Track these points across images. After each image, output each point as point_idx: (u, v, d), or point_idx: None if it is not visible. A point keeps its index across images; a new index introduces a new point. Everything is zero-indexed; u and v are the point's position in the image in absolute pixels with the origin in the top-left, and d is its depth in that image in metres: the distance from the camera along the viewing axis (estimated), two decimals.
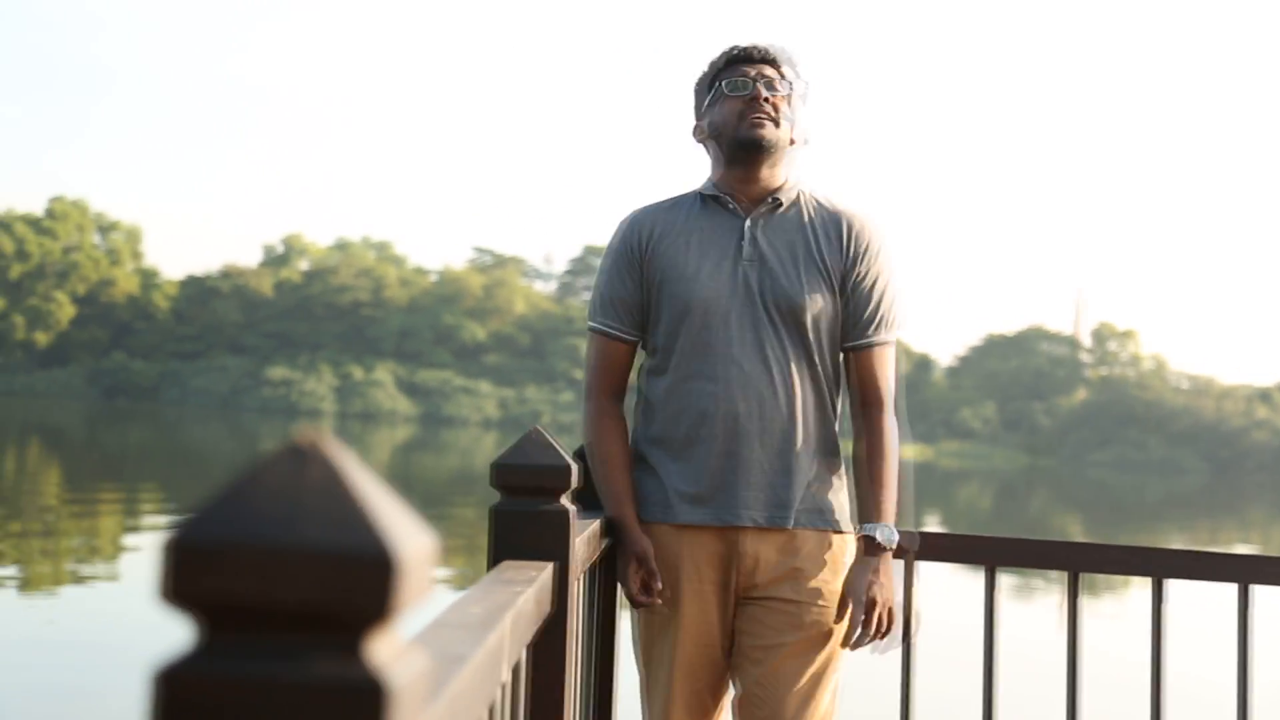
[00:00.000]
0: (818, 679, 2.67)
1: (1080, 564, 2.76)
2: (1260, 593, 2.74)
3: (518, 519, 1.73)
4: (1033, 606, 12.70)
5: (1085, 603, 2.81)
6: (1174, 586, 2.76)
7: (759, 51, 2.73)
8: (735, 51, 2.74)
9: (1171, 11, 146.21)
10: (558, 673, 1.76)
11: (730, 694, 2.74)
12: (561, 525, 1.75)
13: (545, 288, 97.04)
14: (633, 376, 2.82)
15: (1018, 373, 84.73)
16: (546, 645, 1.73)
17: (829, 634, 2.65)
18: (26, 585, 10.75)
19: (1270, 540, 28.20)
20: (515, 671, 1.44)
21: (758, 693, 2.68)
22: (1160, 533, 28.25)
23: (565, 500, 1.78)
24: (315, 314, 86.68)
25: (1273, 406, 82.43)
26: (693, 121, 2.82)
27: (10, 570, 11.53)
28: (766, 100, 2.67)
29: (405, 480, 28.53)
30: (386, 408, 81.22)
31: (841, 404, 2.76)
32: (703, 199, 2.75)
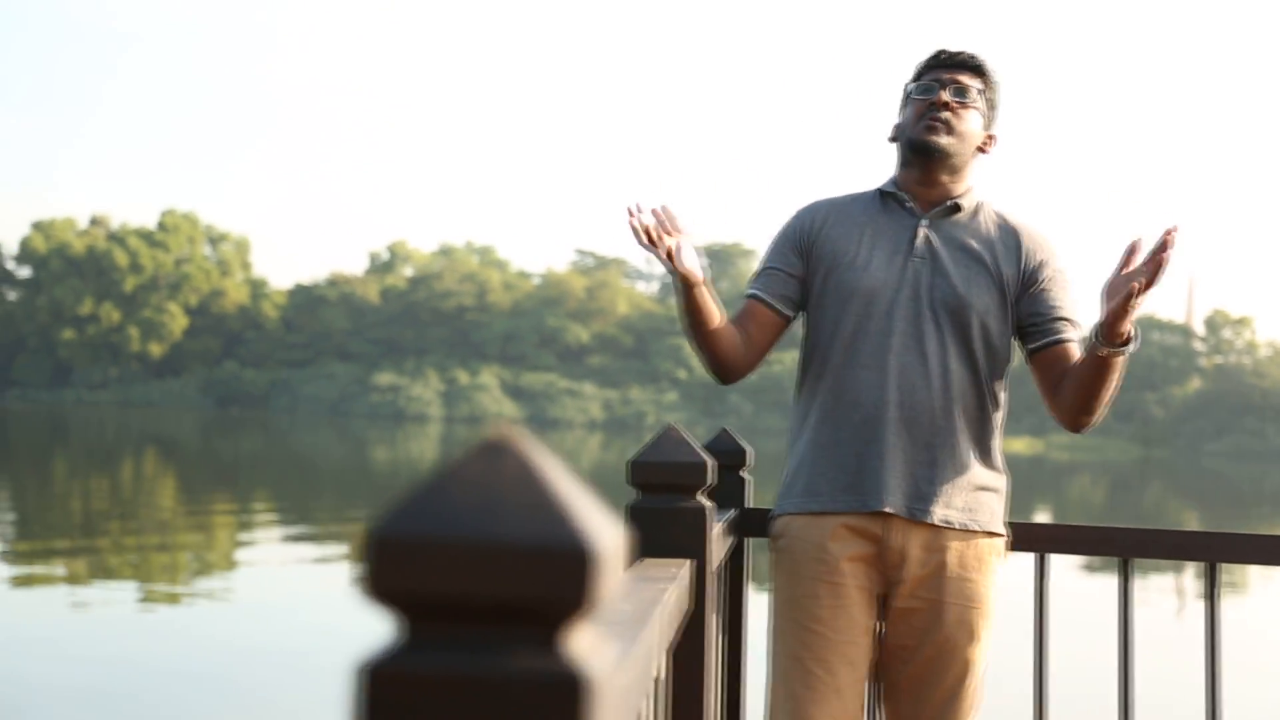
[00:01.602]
0: (962, 679, 2.64)
1: (1219, 554, 2.69)
2: None
3: (656, 516, 1.73)
4: (1148, 599, 12.47)
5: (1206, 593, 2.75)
6: None
7: (958, 56, 2.74)
8: (939, 55, 2.76)
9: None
10: (698, 670, 1.75)
11: (866, 690, 2.70)
12: (699, 522, 1.75)
13: (648, 288, 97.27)
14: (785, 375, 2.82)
15: (1130, 363, 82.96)
16: (687, 643, 1.73)
17: (973, 634, 2.62)
18: (145, 598, 10.96)
19: None
20: (664, 669, 1.44)
21: (904, 693, 2.66)
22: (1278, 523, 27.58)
23: (702, 497, 1.78)
24: (420, 319, 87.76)
25: None
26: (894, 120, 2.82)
27: (130, 587, 11.71)
28: (947, 106, 2.68)
29: None
30: (492, 411, 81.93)
31: (1004, 414, 2.74)
32: (881, 195, 2.77)
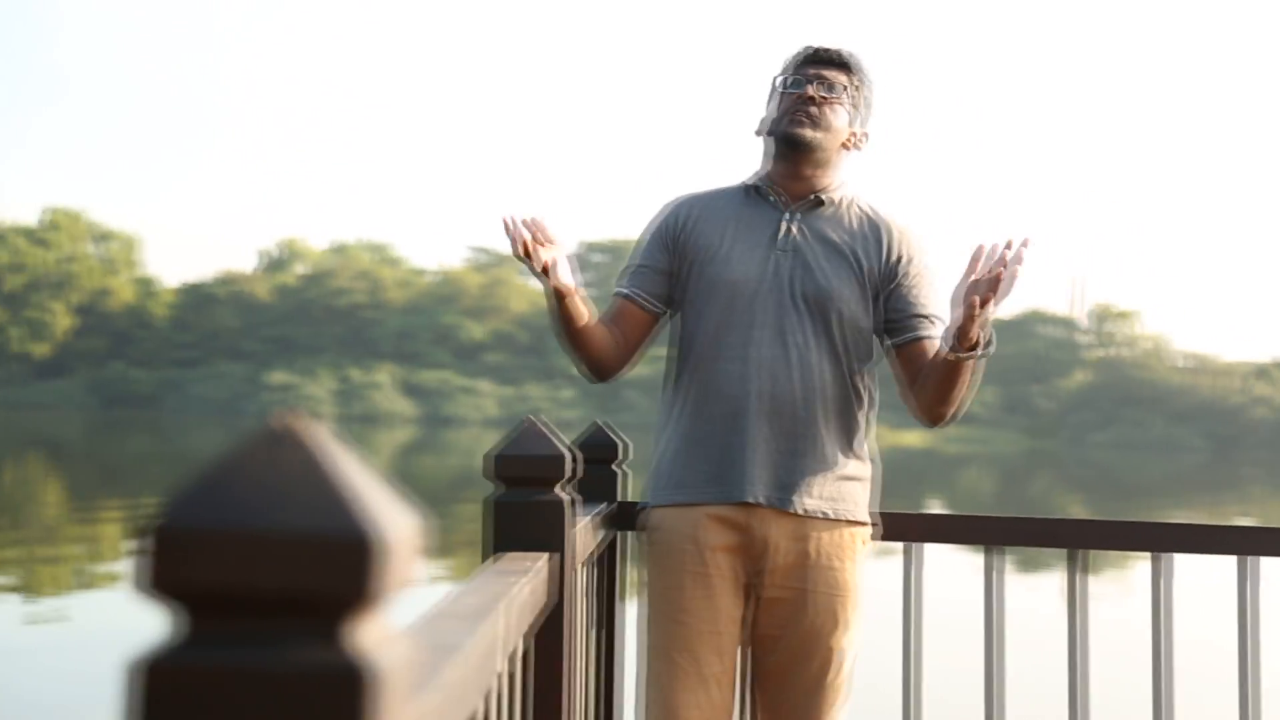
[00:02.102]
0: (827, 668, 2.67)
1: (1082, 541, 2.75)
2: (1264, 566, 2.74)
3: (515, 510, 1.73)
4: (1035, 587, 12.70)
5: (1091, 581, 2.80)
6: (1178, 562, 2.75)
7: (828, 53, 2.76)
8: (809, 51, 2.77)
9: None
10: (559, 663, 1.75)
11: (739, 680, 2.72)
12: (559, 515, 1.74)
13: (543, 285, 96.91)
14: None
15: (1017, 356, 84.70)
16: (547, 636, 1.73)
17: (839, 623, 2.65)
18: (29, 591, 10.72)
19: (1270, 516, 28.20)
20: (514, 661, 1.43)
21: (769, 681, 2.69)
22: (1162, 510, 28.23)
23: (563, 490, 1.78)
24: (314, 317, 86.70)
25: (1272, 383, 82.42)
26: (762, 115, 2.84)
27: (12, 579, 11.50)
28: (814, 100, 2.69)
29: (408, 481, 28.54)
30: (387, 409, 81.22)
31: (869, 405, 2.76)
32: (746, 190, 2.79)
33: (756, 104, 2.85)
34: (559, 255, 2.61)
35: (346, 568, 0.58)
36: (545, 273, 2.57)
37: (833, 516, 2.67)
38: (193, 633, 0.59)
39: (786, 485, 2.65)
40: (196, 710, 0.57)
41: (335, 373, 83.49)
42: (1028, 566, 13.15)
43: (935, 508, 25.73)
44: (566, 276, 2.61)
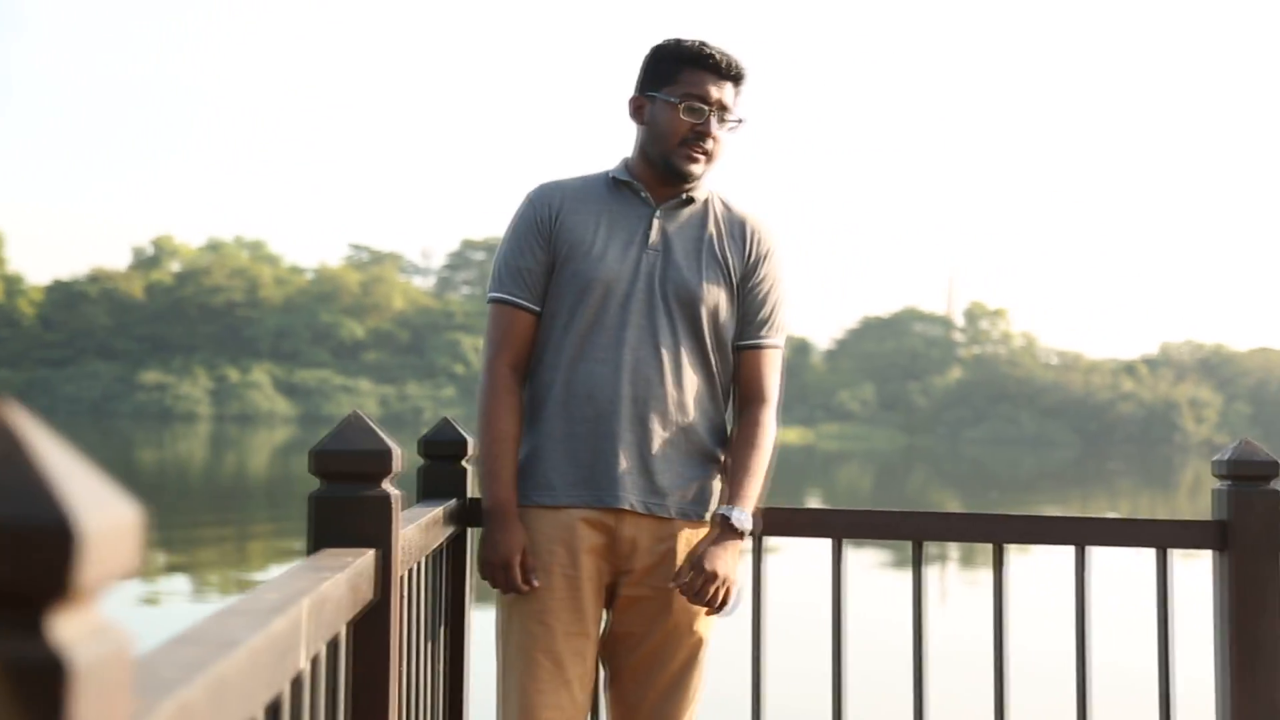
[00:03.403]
0: (687, 665, 2.68)
1: (924, 533, 2.79)
2: (1097, 554, 2.81)
3: (337, 506, 1.70)
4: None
5: (964, 573, 2.85)
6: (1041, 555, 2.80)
7: (731, 68, 2.67)
8: (710, 58, 2.66)
9: None
10: (383, 660, 1.73)
11: (596, 679, 2.72)
12: (383, 511, 1.72)
13: (424, 283, 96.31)
14: None
15: (894, 354, 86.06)
16: (368, 632, 1.70)
17: (699, 623, 2.66)
18: None
19: (1139, 509, 28.96)
20: (325, 659, 1.41)
21: (629, 679, 2.69)
22: (1034, 505, 28.85)
23: (388, 485, 1.76)
24: (188, 316, 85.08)
25: (1138, 379, 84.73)
26: (632, 90, 2.74)
27: None
28: (714, 139, 2.65)
29: (287, 482, 28.12)
30: (265, 409, 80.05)
31: (731, 400, 2.77)
32: (613, 182, 2.73)
33: (621, 86, 2.74)
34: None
35: (48, 557, 0.56)
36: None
37: (700, 518, 2.67)
38: None
39: (656, 489, 2.64)
40: None
41: (211, 372, 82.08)
42: (904, 565, 13.36)
43: (814, 504, 26.02)
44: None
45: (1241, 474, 2.75)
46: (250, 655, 1.00)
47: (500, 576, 2.61)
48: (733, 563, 2.58)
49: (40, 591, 0.57)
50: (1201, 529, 2.79)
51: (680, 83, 2.65)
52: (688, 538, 2.65)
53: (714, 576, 2.55)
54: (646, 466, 2.64)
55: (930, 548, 2.89)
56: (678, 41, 2.70)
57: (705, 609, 2.61)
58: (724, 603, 2.59)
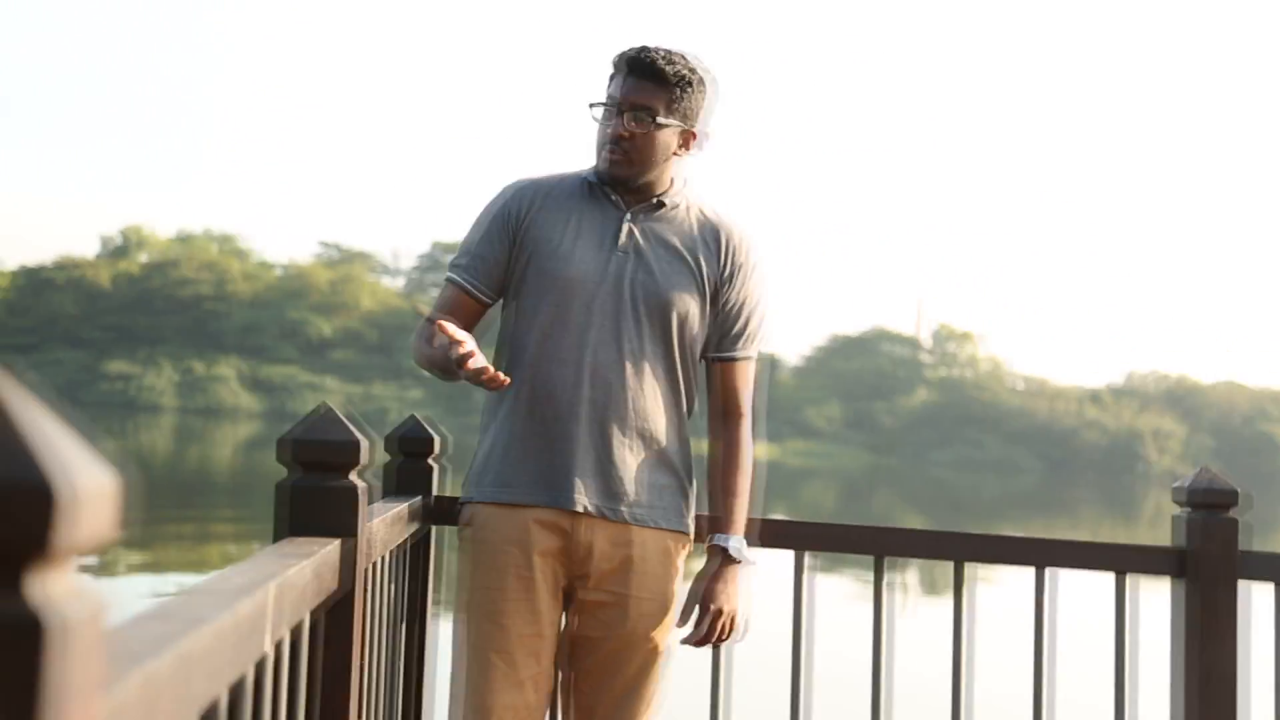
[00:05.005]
0: (644, 670, 2.69)
1: (886, 548, 2.81)
2: (1061, 576, 2.84)
3: (305, 495, 1.71)
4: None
5: (925, 599, 2.87)
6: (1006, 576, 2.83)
7: (644, 63, 2.64)
8: (626, 58, 2.66)
9: (995, 10, 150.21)
10: (348, 650, 1.74)
11: (552, 681, 2.72)
12: (350, 501, 1.73)
13: (393, 284, 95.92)
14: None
15: (861, 373, 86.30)
16: (336, 623, 1.71)
17: (658, 629, 2.67)
18: None
19: (1099, 536, 29.12)
20: (292, 644, 1.41)
21: (585, 683, 2.70)
22: (997, 529, 28.94)
23: (355, 477, 1.76)
24: (156, 307, 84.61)
25: (1102, 407, 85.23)
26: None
27: None
28: (623, 137, 2.63)
29: (251, 475, 27.99)
30: (230, 403, 79.68)
31: (697, 408, 2.78)
32: (587, 184, 2.73)
33: (593, 90, 2.76)
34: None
35: (26, 515, 0.57)
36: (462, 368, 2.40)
37: (658, 524, 2.68)
38: None
39: (613, 494, 2.64)
40: None
41: (177, 364, 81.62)
42: (860, 581, 13.37)
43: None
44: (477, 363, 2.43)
45: (1201, 502, 2.78)
46: (216, 634, 1.00)
47: (455, 353, 2.40)
48: (734, 593, 2.62)
49: (20, 550, 0.57)
50: (1161, 555, 2.82)
51: (597, 101, 2.69)
52: (646, 545, 2.66)
53: (719, 614, 2.61)
54: (604, 470, 2.64)
55: (897, 575, 2.90)
56: (614, 57, 2.71)
57: (710, 643, 2.66)
58: (727, 637, 2.64)
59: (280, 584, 1.27)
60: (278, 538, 1.69)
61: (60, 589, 0.60)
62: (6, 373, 0.60)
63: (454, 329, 2.41)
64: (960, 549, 2.79)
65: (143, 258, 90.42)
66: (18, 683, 0.56)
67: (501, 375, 2.41)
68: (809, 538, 2.83)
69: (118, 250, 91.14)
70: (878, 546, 2.80)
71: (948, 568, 2.82)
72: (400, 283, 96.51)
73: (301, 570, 1.40)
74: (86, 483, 0.59)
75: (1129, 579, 2.83)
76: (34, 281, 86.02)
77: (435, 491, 2.83)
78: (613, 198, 2.71)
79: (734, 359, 2.75)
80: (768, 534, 2.87)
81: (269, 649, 1.24)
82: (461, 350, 2.36)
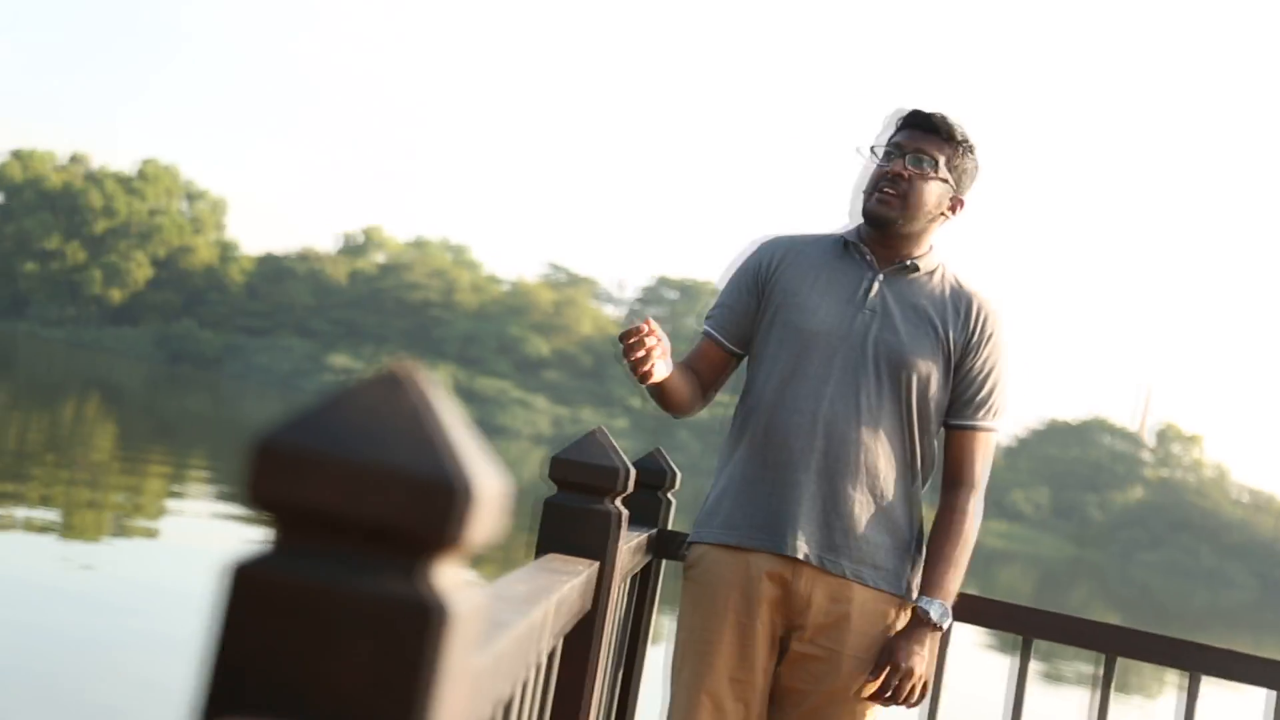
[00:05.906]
0: None
1: (1117, 647, 2.73)
2: None
3: (568, 514, 1.75)
4: (1060, 695, 12.54)
5: (1115, 698, 2.78)
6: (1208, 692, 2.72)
7: (929, 120, 2.70)
8: (910, 115, 2.73)
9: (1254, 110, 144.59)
10: (586, 669, 1.77)
11: None
12: (607, 526, 1.77)
13: (614, 312, 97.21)
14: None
15: (1075, 462, 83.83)
16: (578, 640, 1.75)
17: (867, 690, 2.65)
18: (68, 532, 10.89)
19: None
20: (547, 657, 1.45)
21: None
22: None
23: (616, 503, 1.80)
24: (385, 307, 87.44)
25: None
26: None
27: (54, 515, 11.71)
28: (901, 177, 2.66)
29: None
30: None
31: (930, 474, 2.76)
32: (840, 243, 2.78)
33: (842, 152, 2.81)
34: (664, 353, 2.49)
35: (437, 509, 0.61)
36: (643, 378, 2.47)
37: (877, 585, 2.66)
38: (282, 546, 0.62)
39: (834, 546, 2.64)
40: (275, 616, 0.60)
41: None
42: (1050, 678, 12.99)
43: None
44: (663, 373, 2.52)
45: None
46: (516, 638, 1.04)
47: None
48: (928, 658, 2.60)
49: (430, 539, 0.61)
50: None
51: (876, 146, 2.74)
52: (863, 604, 2.64)
53: (910, 673, 2.58)
54: (828, 521, 2.64)
55: (1066, 664, 2.82)
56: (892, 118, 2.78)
57: (896, 703, 2.63)
58: (917, 702, 2.61)
59: (559, 599, 1.31)
60: (538, 552, 1.74)
61: (454, 580, 0.63)
62: (423, 372, 0.64)
63: (654, 323, 2.47)
64: (1197, 660, 2.69)
65: (379, 258, 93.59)
66: (413, 659, 0.60)
67: (653, 364, 2.41)
68: (1038, 625, 2.76)
69: (356, 248, 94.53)
70: (1111, 645, 2.72)
71: (1139, 667, 2.74)
72: (621, 312, 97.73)
73: (572, 587, 1.44)
74: (487, 484, 0.63)
75: None
76: (275, 269, 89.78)
77: (665, 524, 2.87)
78: (867, 257, 2.73)
79: (975, 429, 2.72)
80: (994, 614, 2.82)
81: (543, 659, 1.28)
82: (634, 334, 2.40)
